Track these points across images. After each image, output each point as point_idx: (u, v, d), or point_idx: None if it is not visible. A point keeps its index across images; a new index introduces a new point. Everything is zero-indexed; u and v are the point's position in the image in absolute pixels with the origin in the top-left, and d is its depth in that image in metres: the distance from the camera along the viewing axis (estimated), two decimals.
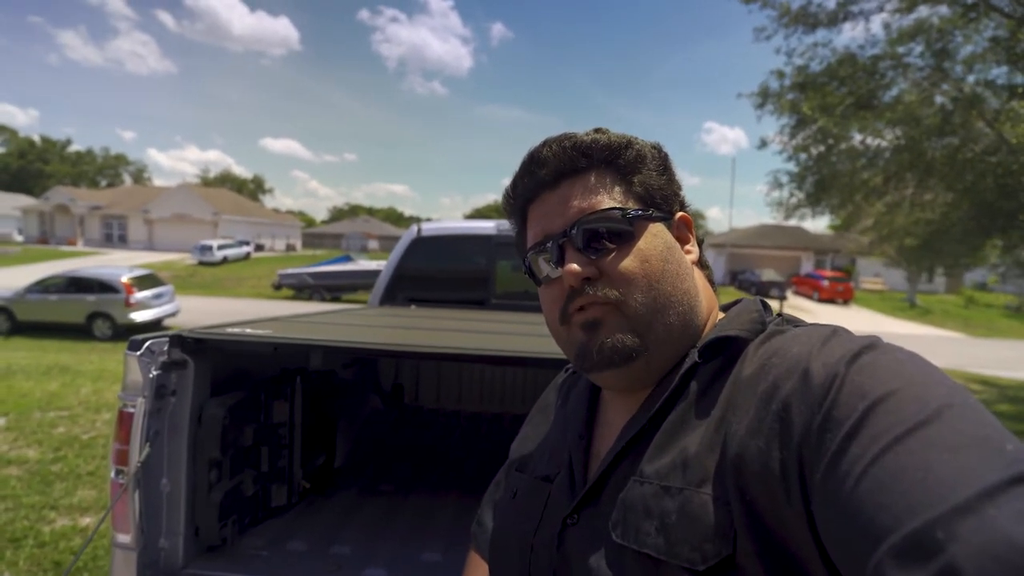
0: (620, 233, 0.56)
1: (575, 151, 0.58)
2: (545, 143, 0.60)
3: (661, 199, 0.60)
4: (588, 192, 0.58)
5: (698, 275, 0.62)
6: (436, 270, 3.39)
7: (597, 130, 0.61)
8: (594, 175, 0.59)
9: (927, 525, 0.30)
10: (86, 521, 3.13)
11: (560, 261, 0.58)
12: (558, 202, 0.59)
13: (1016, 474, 0.31)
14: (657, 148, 0.62)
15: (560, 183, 0.59)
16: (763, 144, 8.51)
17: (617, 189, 0.58)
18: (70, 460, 4.00)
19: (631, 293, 0.55)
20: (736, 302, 0.62)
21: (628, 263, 0.56)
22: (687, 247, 0.62)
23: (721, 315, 0.62)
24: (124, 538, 1.35)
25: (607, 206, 0.57)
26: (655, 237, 0.58)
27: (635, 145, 0.60)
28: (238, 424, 1.59)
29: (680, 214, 0.63)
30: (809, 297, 24.78)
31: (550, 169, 0.59)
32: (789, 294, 25.43)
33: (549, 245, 0.59)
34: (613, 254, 0.56)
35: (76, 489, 3.54)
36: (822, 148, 7.73)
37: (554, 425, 0.71)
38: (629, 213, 0.57)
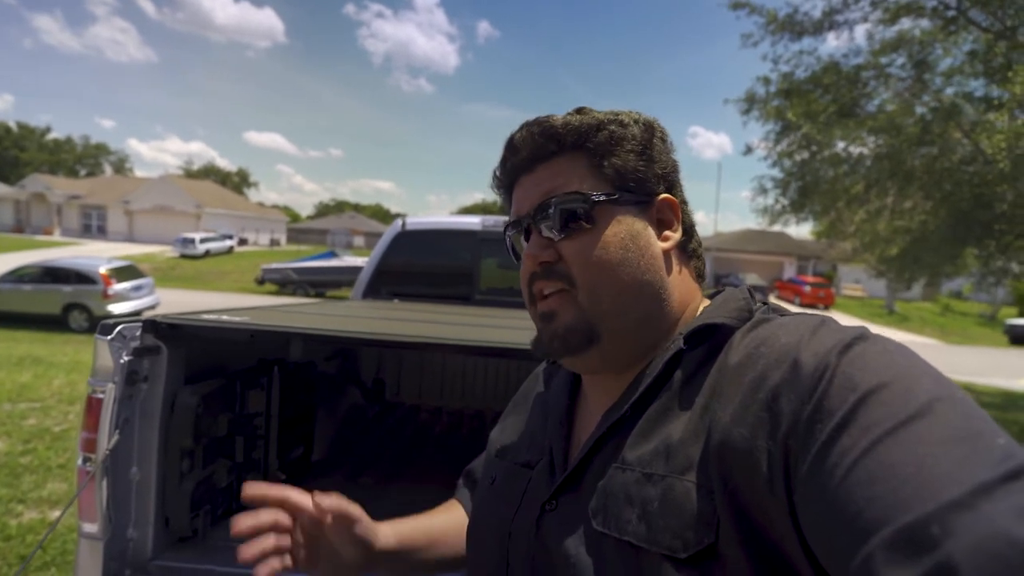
0: (581, 217, 0.56)
1: (543, 137, 0.58)
2: (520, 128, 0.60)
3: (635, 182, 0.58)
4: (556, 176, 0.58)
5: (677, 264, 0.60)
6: (420, 265, 3.37)
7: (579, 111, 0.60)
8: (565, 159, 0.59)
9: (921, 520, 0.30)
10: (55, 514, 3.06)
11: (527, 242, 0.59)
12: (531, 185, 0.60)
13: (1010, 470, 0.31)
14: (646, 126, 0.59)
15: (535, 167, 0.60)
16: (748, 150, 8.62)
17: (586, 173, 0.58)
18: (40, 452, 3.91)
19: (585, 279, 0.55)
20: (721, 290, 0.61)
21: (585, 249, 0.55)
22: (666, 232, 0.59)
23: (707, 303, 0.61)
24: (91, 527, 1.31)
25: (571, 190, 0.57)
26: (619, 223, 0.56)
27: (609, 126, 0.58)
28: (212, 413, 1.56)
29: (663, 196, 0.59)
30: (791, 302, 25.15)
31: (523, 155, 0.60)
32: (772, 298, 25.81)
33: (521, 226, 0.61)
34: (572, 239, 0.56)
35: (46, 482, 3.46)
36: (806, 155, 7.85)
37: (535, 412, 0.70)
38: (592, 197, 0.56)
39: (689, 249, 0.62)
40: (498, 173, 0.64)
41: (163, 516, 1.44)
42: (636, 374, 0.56)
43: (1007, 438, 0.34)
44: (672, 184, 0.61)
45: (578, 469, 0.54)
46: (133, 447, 1.38)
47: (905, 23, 6.94)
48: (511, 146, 0.60)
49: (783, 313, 0.54)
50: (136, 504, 1.39)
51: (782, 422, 0.40)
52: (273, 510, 0.59)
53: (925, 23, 6.85)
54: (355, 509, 0.62)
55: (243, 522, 0.56)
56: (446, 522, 0.75)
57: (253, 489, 0.59)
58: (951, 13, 6.46)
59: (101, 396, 1.29)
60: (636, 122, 0.59)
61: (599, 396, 0.60)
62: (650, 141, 0.59)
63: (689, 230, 0.62)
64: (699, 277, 0.63)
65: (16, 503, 3.16)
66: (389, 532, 0.66)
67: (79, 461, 1.31)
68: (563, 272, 0.56)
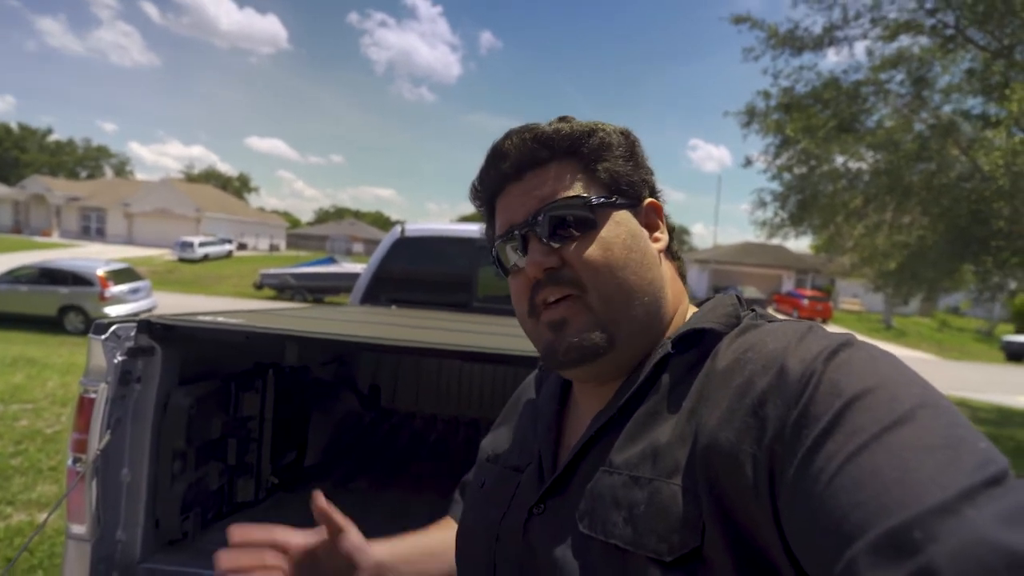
0: (583, 221, 0.56)
1: (535, 143, 0.58)
2: (507, 135, 0.59)
3: (627, 185, 0.59)
4: (551, 182, 0.57)
5: (667, 265, 0.61)
6: (419, 272, 3.37)
7: (561, 119, 0.61)
8: (556, 165, 0.58)
9: (905, 524, 0.30)
10: (44, 517, 3.03)
11: (524, 252, 0.57)
12: (521, 193, 0.58)
13: (992, 475, 0.31)
14: (624, 134, 0.61)
15: (523, 175, 0.59)
16: (748, 163, 8.67)
17: (580, 178, 0.58)
18: (31, 454, 3.87)
19: (594, 283, 0.54)
20: (710, 297, 0.62)
21: (591, 252, 0.55)
22: (656, 234, 0.61)
23: (694, 309, 0.61)
24: (79, 529, 1.29)
25: (569, 194, 0.57)
26: (619, 225, 0.57)
27: (598, 132, 0.59)
28: (205, 415, 1.55)
29: (649, 200, 0.62)
30: (789, 315, 25.14)
31: (512, 162, 0.58)
32: (770, 311, 25.91)
33: (516, 234, 0.58)
34: (576, 243, 0.55)
35: (36, 484, 3.42)
36: (805, 169, 7.90)
37: (525, 418, 0.70)
38: (592, 200, 0.56)
39: (672, 251, 0.64)
40: (479, 184, 0.63)
41: (153, 518, 1.42)
42: (626, 379, 0.56)
43: (988, 444, 0.34)
44: (653, 189, 0.63)
45: (566, 472, 0.54)
46: (124, 448, 1.36)
47: (904, 40, 7.02)
48: (499, 153, 0.59)
49: (770, 320, 0.55)
50: (126, 505, 1.38)
51: (768, 427, 0.40)
52: (256, 550, 0.60)
53: (924, 41, 6.93)
54: (344, 520, 0.63)
55: (226, 560, 0.58)
56: (440, 540, 0.74)
57: (238, 534, 0.61)
58: (950, 31, 6.54)
59: (93, 396, 1.28)
60: (615, 131, 0.61)
61: (589, 401, 0.60)
62: (633, 147, 0.61)
63: (671, 233, 0.64)
64: (682, 277, 0.65)
65: (5, 505, 3.12)
66: (381, 548, 0.66)
67: (69, 462, 1.30)
68: (570, 277, 0.55)
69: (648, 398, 0.52)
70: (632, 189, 0.60)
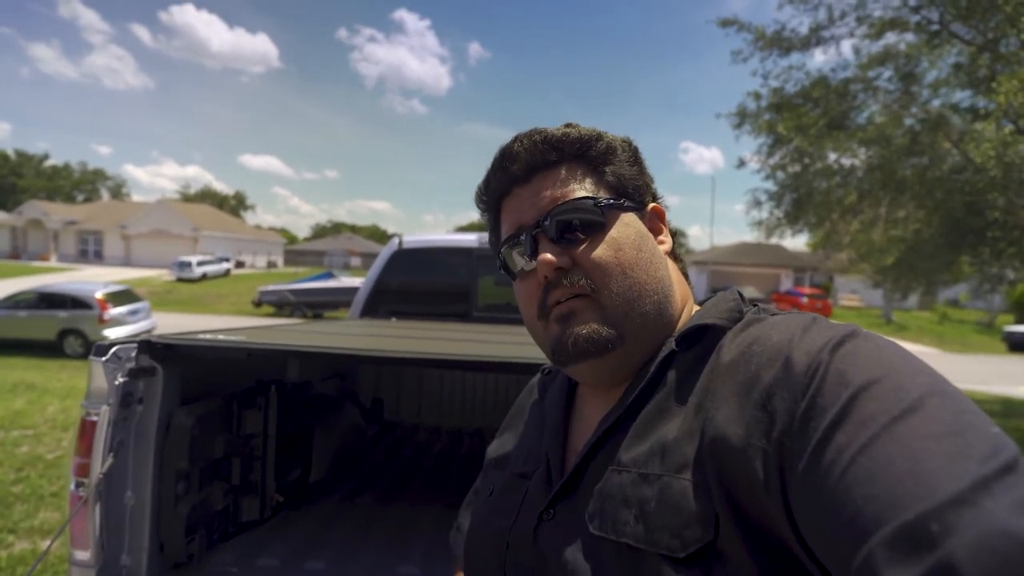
0: (592, 222, 0.57)
1: (546, 145, 0.59)
2: (516, 139, 0.60)
3: (633, 189, 0.61)
4: (560, 184, 0.58)
5: (672, 266, 0.63)
6: (417, 283, 3.37)
7: (567, 125, 0.62)
8: (566, 168, 0.59)
9: (921, 517, 0.30)
10: (47, 544, 3.00)
11: (534, 253, 0.57)
12: (530, 195, 0.59)
13: (1006, 462, 0.31)
14: (627, 141, 0.63)
15: (532, 177, 0.60)
16: (741, 164, 8.70)
17: (589, 180, 0.59)
18: (33, 480, 3.85)
19: (606, 282, 0.55)
20: (712, 295, 0.62)
21: (601, 252, 0.56)
22: (660, 237, 0.63)
23: (697, 307, 0.62)
24: (82, 555, 1.28)
25: (579, 196, 0.57)
26: (627, 226, 0.58)
27: (605, 138, 0.60)
28: (208, 434, 1.54)
29: (652, 205, 0.63)
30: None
31: (521, 164, 0.59)
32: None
33: (523, 238, 0.59)
34: (586, 243, 0.56)
35: (38, 511, 3.39)
36: (798, 167, 7.92)
37: (531, 423, 0.70)
38: (601, 202, 0.57)
39: (675, 253, 0.65)
40: (485, 187, 0.63)
41: (158, 541, 1.41)
42: (632, 379, 0.56)
43: (999, 430, 0.34)
44: (655, 194, 0.65)
45: (574, 475, 0.54)
46: (127, 471, 1.35)
47: (890, 37, 7.08)
48: (509, 155, 0.60)
49: (774, 313, 0.55)
50: (130, 529, 1.36)
51: (776, 421, 0.40)
52: None
53: (910, 37, 6.99)
54: None
55: None
56: None
57: None
58: (934, 27, 6.60)
59: (95, 419, 1.28)
60: (618, 138, 0.62)
61: (595, 403, 0.60)
62: (636, 154, 0.63)
63: (673, 236, 0.65)
64: (685, 278, 0.66)
65: (7, 533, 3.09)
66: None
67: (71, 486, 1.29)
68: (580, 276, 0.55)
69: (654, 396, 0.52)
70: (637, 193, 0.61)
